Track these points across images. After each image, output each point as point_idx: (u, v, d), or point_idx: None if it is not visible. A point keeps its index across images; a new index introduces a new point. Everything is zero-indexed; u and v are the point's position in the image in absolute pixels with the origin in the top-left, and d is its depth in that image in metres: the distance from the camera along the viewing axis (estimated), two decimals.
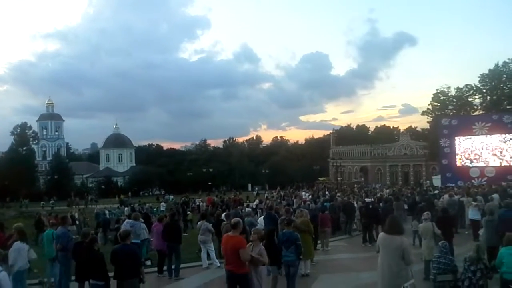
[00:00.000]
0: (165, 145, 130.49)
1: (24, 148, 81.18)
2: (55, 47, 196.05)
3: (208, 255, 13.38)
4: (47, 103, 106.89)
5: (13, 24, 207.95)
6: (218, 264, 12.94)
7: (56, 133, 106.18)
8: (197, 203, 36.11)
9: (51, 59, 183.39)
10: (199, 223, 14.41)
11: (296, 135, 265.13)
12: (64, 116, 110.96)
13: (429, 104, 58.93)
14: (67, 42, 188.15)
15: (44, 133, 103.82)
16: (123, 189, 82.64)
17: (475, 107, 55.46)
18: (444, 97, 56.59)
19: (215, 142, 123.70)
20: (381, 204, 18.54)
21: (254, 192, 56.82)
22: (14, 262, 8.86)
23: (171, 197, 51.10)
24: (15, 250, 9.06)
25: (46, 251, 11.44)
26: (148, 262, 13.72)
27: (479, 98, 55.50)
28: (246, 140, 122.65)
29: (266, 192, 51.21)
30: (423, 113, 60.80)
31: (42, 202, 54.54)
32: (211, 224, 14.04)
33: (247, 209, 23.25)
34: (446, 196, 20.33)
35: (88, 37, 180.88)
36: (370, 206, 18.30)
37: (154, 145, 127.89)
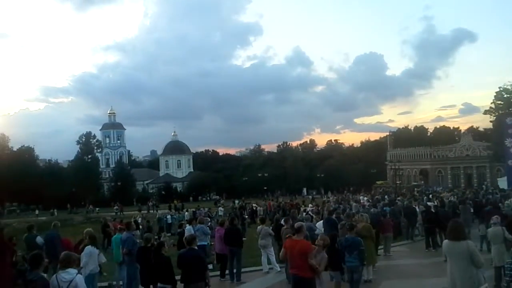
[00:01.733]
0: (221, 151, 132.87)
1: (89, 157, 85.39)
2: (115, 59, 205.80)
3: (268, 259, 13.46)
4: (109, 113, 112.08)
5: (75, 37, 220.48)
6: (279, 269, 12.97)
7: (118, 141, 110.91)
8: (254, 208, 36.45)
9: (112, 70, 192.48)
10: (259, 227, 14.53)
11: (351, 138, 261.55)
12: (125, 125, 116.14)
13: (491, 103, 56.39)
14: (126, 53, 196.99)
15: (107, 141, 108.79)
16: (182, 194, 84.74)
17: None
18: (508, 95, 53.78)
19: (269, 147, 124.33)
20: (445, 208, 17.89)
21: (310, 197, 56.48)
22: (85, 265, 9.31)
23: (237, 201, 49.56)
24: (87, 254, 9.53)
25: (114, 255, 12.02)
26: (210, 266, 14.01)
27: None
28: (300, 144, 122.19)
29: (326, 196, 50.50)
30: (486, 112, 58.22)
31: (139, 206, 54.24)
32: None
33: (304, 214, 23.26)
34: None
35: (145, 47, 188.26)
36: (433, 210, 17.75)
37: (210, 151, 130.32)
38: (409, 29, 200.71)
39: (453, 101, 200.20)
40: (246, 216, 30.04)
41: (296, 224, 8.01)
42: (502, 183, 41.56)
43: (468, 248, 5.95)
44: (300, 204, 32.61)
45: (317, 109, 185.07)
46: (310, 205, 29.17)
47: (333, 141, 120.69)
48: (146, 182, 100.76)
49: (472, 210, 21.11)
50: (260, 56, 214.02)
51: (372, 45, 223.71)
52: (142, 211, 44.79)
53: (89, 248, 9.74)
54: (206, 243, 13.36)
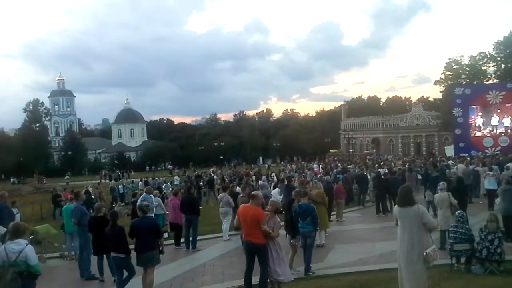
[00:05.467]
0: (176, 120, 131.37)
1: (37, 125, 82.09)
2: (63, 23, 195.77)
3: None
4: (58, 79, 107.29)
5: (20, 1, 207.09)
6: (226, 238, 13.20)
7: (68, 109, 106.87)
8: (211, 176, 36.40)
9: (60, 34, 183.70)
10: (220, 195, 14.56)
11: (306, 108, 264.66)
12: (75, 92, 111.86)
13: (441, 74, 57.99)
14: (75, 16, 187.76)
15: (56, 109, 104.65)
16: (136, 164, 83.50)
17: (489, 76, 54.43)
18: (457, 66, 55.50)
19: (226, 116, 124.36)
20: (396, 175, 18.49)
21: (266, 165, 56.99)
22: None
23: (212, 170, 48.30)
24: None
25: (65, 226, 11.71)
26: (166, 235, 13.93)
27: (493, 66, 54.38)
28: (257, 114, 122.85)
29: (282, 164, 50.64)
30: (436, 82, 59.91)
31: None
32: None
33: (260, 181, 23.46)
34: (461, 166, 20.22)
35: (95, 11, 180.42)
36: (383, 177, 18.31)
37: (165, 119, 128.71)
38: None
39: (406, 71, 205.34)
40: (202, 185, 30.02)
41: (254, 192, 8.02)
42: (449, 151, 43.33)
43: (419, 210, 6.12)
44: (260, 172, 32.75)
45: (274, 78, 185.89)
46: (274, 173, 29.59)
47: (289, 111, 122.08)
48: (98, 151, 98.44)
49: (419, 177, 22.04)
50: (216, 22, 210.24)
51: (329, 13, 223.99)
52: (94, 181, 43.85)
53: None
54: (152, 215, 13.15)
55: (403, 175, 19.86)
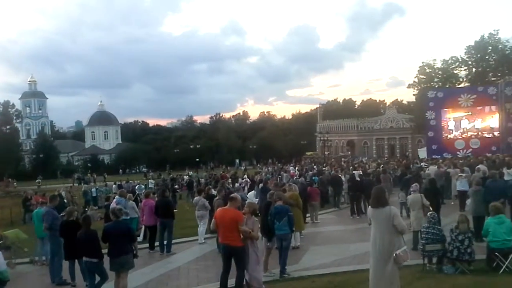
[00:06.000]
0: (151, 122, 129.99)
1: (8, 127, 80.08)
2: (35, 22, 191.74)
3: None
4: (29, 81, 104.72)
5: None
6: (201, 241, 13.11)
7: (40, 111, 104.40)
8: (186, 180, 36.18)
9: (31, 34, 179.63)
10: (196, 198, 14.46)
11: (283, 110, 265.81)
12: (48, 93, 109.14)
13: (415, 77, 59.15)
14: (47, 16, 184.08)
15: (28, 111, 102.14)
16: (110, 166, 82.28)
17: (461, 79, 55.76)
18: (430, 70, 56.72)
19: (202, 118, 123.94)
20: (370, 177, 18.73)
21: (242, 168, 56.98)
22: None
23: (191, 172, 47.69)
24: None
25: (36, 230, 11.43)
26: (141, 238, 13.76)
27: (464, 70, 55.77)
28: (233, 116, 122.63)
29: (259, 167, 50.74)
30: (410, 86, 61.12)
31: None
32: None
33: (236, 184, 23.45)
34: (433, 168, 20.61)
35: (68, 11, 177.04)
36: (357, 179, 18.51)
37: (139, 122, 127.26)
38: (342, 1, 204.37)
39: (380, 74, 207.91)
40: (177, 188, 29.79)
41: (232, 194, 8.01)
42: (422, 153, 44.17)
43: (391, 212, 6.21)
44: (236, 175, 32.70)
45: (250, 80, 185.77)
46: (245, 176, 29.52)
47: (265, 113, 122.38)
48: (70, 154, 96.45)
49: (392, 179, 22.33)
50: (193, 24, 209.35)
51: (306, 16, 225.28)
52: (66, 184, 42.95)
53: None
54: (128, 218, 12.95)
55: (377, 177, 20.12)
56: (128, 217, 12.89)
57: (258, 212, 9.21)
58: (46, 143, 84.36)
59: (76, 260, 9.08)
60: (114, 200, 14.29)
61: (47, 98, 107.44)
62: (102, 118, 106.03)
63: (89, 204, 27.46)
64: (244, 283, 7.48)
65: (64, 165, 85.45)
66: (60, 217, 10.42)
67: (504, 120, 36.85)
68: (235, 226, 7.26)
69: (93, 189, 30.98)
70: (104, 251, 8.10)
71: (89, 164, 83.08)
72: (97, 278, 8.11)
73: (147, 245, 12.81)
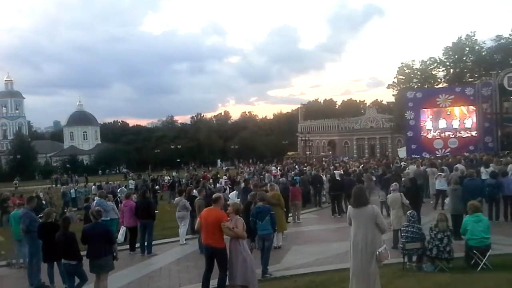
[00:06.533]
0: (131, 122, 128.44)
1: None
2: (10, 20, 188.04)
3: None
4: (5, 80, 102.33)
5: None
6: (182, 242, 13.03)
7: (17, 111, 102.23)
8: (166, 181, 36.02)
9: (7, 33, 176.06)
10: (176, 199, 14.38)
11: (264, 110, 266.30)
12: (25, 93, 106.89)
13: (394, 77, 59.78)
14: (23, 14, 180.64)
15: (4, 111, 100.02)
16: (89, 167, 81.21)
17: (439, 80, 56.56)
18: (409, 70, 57.35)
19: (183, 118, 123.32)
20: (351, 176, 18.86)
21: (224, 168, 56.86)
22: None
23: (175, 172, 47.47)
24: None
25: (13, 232, 11.19)
26: (122, 239, 13.61)
27: (442, 71, 56.54)
28: (214, 116, 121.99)
29: (240, 167, 50.72)
30: (389, 86, 61.66)
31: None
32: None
33: (218, 185, 23.38)
34: (412, 167, 20.84)
35: (45, 9, 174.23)
36: (338, 179, 18.62)
37: (119, 122, 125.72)
38: (323, 2, 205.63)
39: (361, 75, 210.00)
40: (158, 188, 29.59)
41: (214, 195, 7.99)
42: (402, 153, 44.72)
43: (374, 211, 6.27)
44: (218, 175, 32.61)
45: (232, 80, 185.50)
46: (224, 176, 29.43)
47: (247, 113, 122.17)
48: (49, 155, 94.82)
49: (374, 178, 22.53)
50: (173, 24, 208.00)
51: (286, 17, 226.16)
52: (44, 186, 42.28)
53: None
54: (108, 218, 12.79)
55: (358, 176, 20.27)
56: (108, 218, 12.75)
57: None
58: (24, 143, 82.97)
59: (55, 262, 8.93)
60: (94, 201, 14.10)
61: (24, 98, 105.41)
62: (81, 118, 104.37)
63: (68, 206, 27.06)
64: (227, 284, 7.44)
65: (42, 166, 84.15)
66: (38, 219, 10.25)
67: (481, 120, 37.56)
68: (218, 226, 7.22)
69: (72, 190, 30.58)
70: (84, 253, 7.97)
71: (68, 165, 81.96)
72: (77, 280, 8.00)
73: (128, 246, 12.66)
